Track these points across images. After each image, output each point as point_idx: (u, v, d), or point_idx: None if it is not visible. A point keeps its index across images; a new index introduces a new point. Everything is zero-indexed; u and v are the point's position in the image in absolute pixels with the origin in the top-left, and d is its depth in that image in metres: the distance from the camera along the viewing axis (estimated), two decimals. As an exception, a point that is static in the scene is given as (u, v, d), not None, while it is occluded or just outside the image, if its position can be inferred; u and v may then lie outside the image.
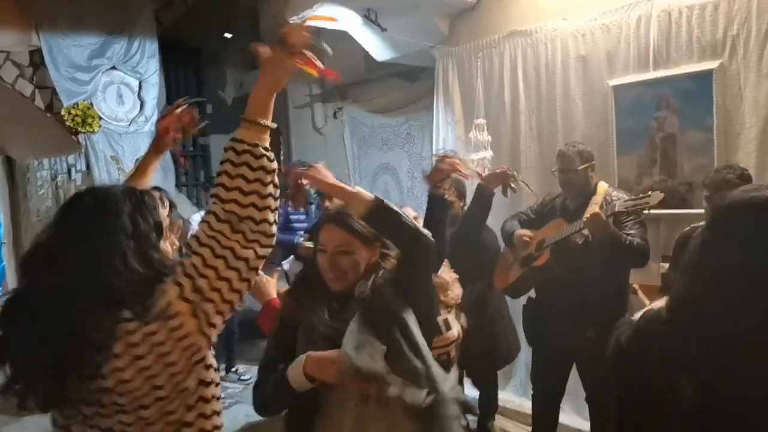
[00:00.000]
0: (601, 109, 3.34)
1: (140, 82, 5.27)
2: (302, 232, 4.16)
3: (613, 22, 3.25)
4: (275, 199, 1.21)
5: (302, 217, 4.32)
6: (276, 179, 1.22)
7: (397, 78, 5.30)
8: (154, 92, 5.34)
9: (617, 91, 3.23)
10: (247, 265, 1.18)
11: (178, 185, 6.39)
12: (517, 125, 3.75)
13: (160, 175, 5.27)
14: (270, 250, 1.22)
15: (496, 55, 3.86)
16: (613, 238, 2.57)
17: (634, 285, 2.91)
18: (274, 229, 1.22)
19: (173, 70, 6.41)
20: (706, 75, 2.88)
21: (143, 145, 5.24)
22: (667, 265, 2.76)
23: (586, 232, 2.71)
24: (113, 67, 5.11)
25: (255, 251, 1.19)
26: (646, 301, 2.82)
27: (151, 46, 5.31)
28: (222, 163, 1.20)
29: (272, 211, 1.21)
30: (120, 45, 5.12)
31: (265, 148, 1.21)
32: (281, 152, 6.77)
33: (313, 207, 4.48)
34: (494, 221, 3.22)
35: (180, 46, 6.38)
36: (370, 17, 4.05)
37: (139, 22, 5.24)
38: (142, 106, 5.29)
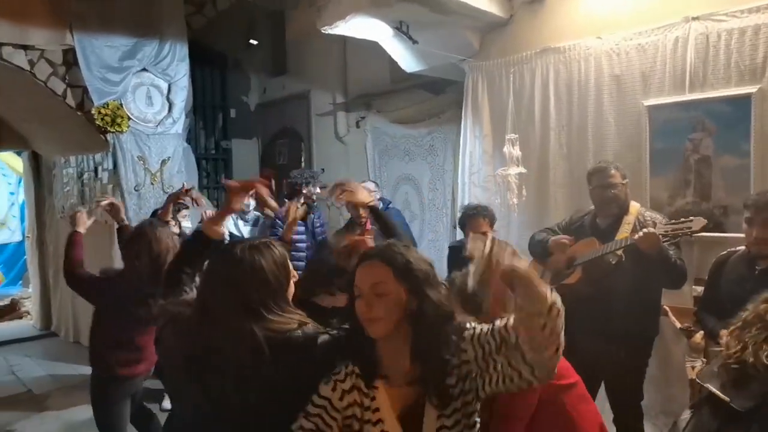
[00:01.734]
0: (634, 129, 3.33)
1: (169, 85, 5.32)
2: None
3: (649, 42, 3.25)
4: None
5: (301, 228, 4.26)
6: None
7: (422, 90, 5.33)
8: (182, 95, 5.39)
9: (651, 112, 3.23)
10: None
11: (200, 187, 6.44)
12: (547, 142, 3.75)
13: (183, 176, 5.33)
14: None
15: (527, 72, 3.87)
16: (663, 256, 2.55)
17: (665, 307, 2.89)
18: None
19: (200, 74, 6.48)
20: (745, 99, 2.87)
21: (170, 147, 5.31)
22: (700, 288, 2.73)
23: (620, 252, 2.69)
24: (144, 69, 5.17)
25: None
26: (677, 324, 2.81)
27: (182, 50, 5.37)
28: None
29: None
30: (151, 47, 5.18)
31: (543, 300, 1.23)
32: (302, 158, 6.81)
33: (313, 217, 4.45)
34: (520, 238, 3.21)
35: (207, 51, 6.45)
36: (402, 29, 4.07)
37: (171, 26, 5.31)
38: (170, 108, 5.34)
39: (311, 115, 6.63)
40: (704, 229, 2.49)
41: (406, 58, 4.49)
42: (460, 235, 3.85)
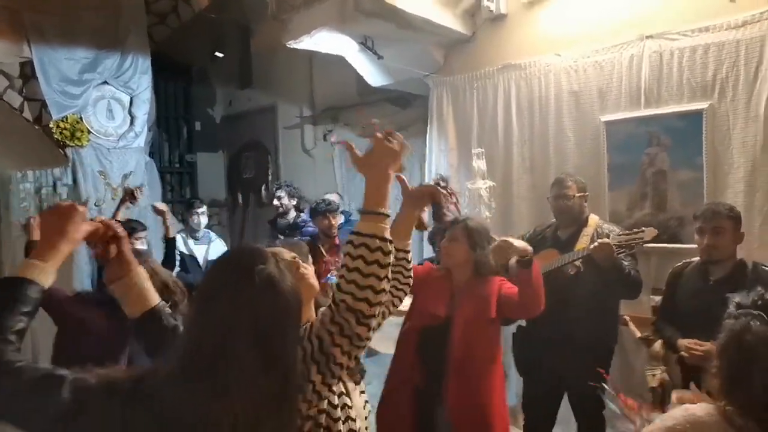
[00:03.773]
0: (592, 144, 3.42)
1: (131, 98, 5.22)
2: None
3: (605, 59, 3.36)
4: (385, 293, 1.22)
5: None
6: (389, 273, 1.23)
7: (389, 103, 5.36)
8: (145, 108, 5.29)
9: (609, 127, 3.33)
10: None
11: (164, 201, 6.31)
12: (510, 156, 3.82)
13: (146, 190, 5.21)
14: (363, 346, 1.24)
15: (490, 87, 3.94)
16: (616, 267, 2.63)
17: (625, 317, 2.97)
18: (377, 323, 1.26)
19: (164, 86, 6.38)
20: (696, 115, 2.99)
21: (132, 161, 5.21)
22: (657, 298, 2.81)
23: (578, 263, 2.77)
24: (104, 82, 5.06)
25: (342, 348, 1.21)
26: (637, 333, 2.88)
27: (144, 62, 5.28)
28: (344, 255, 1.23)
29: (384, 306, 1.25)
30: (112, 60, 5.08)
31: (383, 239, 1.20)
32: (269, 171, 6.76)
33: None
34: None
35: (171, 63, 6.36)
36: (367, 45, 4.11)
37: (133, 38, 5.22)
38: (132, 122, 5.23)
39: (278, 128, 6.60)
40: (656, 238, 2.59)
41: (371, 73, 4.52)
42: (428, 250, 3.88)
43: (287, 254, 1.39)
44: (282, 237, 4.24)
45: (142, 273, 1.29)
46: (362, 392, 1.50)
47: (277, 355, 1.00)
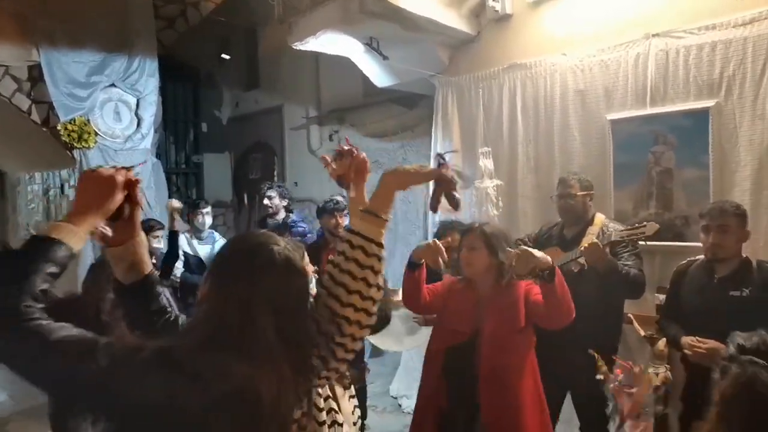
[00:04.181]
0: (598, 142, 3.41)
1: (138, 100, 5.27)
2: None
3: (611, 58, 3.35)
4: (375, 302, 1.19)
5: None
6: (381, 281, 1.20)
7: (394, 104, 5.38)
8: (151, 110, 5.35)
9: (615, 126, 3.31)
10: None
11: (170, 203, 6.36)
12: (515, 155, 3.82)
13: (152, 192, 5.26)
14: (358, 328, 1.19)
15: (495, 87, 3.94)
16: (611, 267, 2.61)
17: (629, 315, 2.95)
18: (361, 337, 1.20)
19: (171, 88, 6.43)
20: (703, 113, 2.97)
21: (138, 162, 5.24)
22: (662, 297, 2.80)
23: (582, 260, 2.75)
24: (112, 84, 5.12)
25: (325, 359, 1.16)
26: (641, 332, 2.86)
27: (152, 65, 5.34)
28: (339, 252, 1.20)
29: (369, 315, 1.18)
30: (119, 63, 5.14)
31: (380, 245, 1.19)
32: (275, 172, 6.79)
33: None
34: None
35: (179, 65, 6.42)
36: (372, 45, 4.12)
37: (141, 41, 5.28)
38: (139, 124, 5.29)
39: (284, 129, 6.63)
40: (661, 237, 2.57)
41: (377, 74, 4.53)
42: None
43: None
44: None
45: (143, 240, 1.31)
46: (352, 397, 1.47)
47: (293, 330, 1.05)
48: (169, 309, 1.37)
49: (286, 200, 4.37)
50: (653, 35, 3.16)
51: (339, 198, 3.85)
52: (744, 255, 2.38)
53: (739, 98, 2.89)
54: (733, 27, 2.89)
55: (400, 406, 4.35)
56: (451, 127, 4.24)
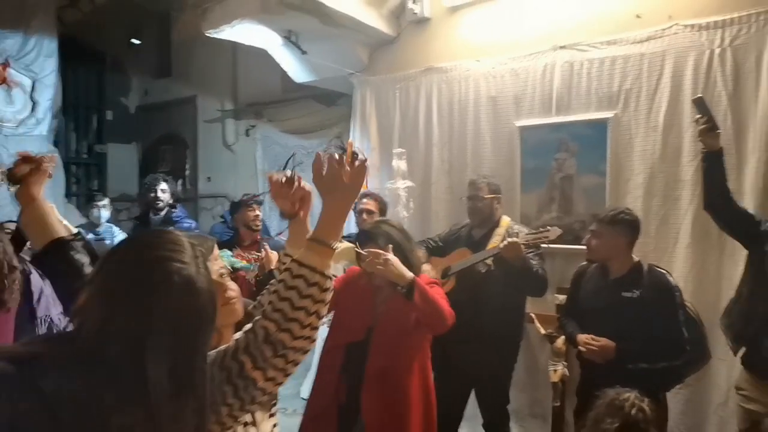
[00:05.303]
0: (508, 148, 3.53)
1: (34, 82, 4.86)
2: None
3: (521, 67, 3.47)
4: (315, 329, 1.11)
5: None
6: (323, 310, 1.11)
7: (314, 101, 5.31)
8: (49, 94, 4.95)
9: (523, 132, 3.44)
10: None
11: (69, 194, 5.93)
12: (430, 157, 3.87)
13: (48, 182, 4.86)
14: (284, 376, 1.11)
15: (412, 89, 3.98)
16: (524, 265, 2.72)
17: (531, 314, 3.07)
18: (300, 358, 1.11)
19: (73, 72, 5.99)
20: (602, 123, 3.15)
21: (32, 149, 4.79)
22: (562, 297, 2.93)
23: (489, 261, 2.84)
24: (4, 63, 4.68)
25: (265, 373, 1.08)
26: (542, 330, 2.99)
27: (50, 45, 4.94)
28: (278, 280, 1.12)
29: (306, 339, 1.10)
30: (14, 40, 4.71)
31: (323, 275, 1.09)
32: (187, 165, 6.51)
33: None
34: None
35: (83, 48, 5.99)
36: (291, 39, 4.04)
37: (38, 18, 4.86)
38: (34, 108, 4.87)
39: (198, 121, 6.38)
40: (561, 240, 2.71)
41: (295, 68, 4.45)
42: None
43: (216, 268, 1.19)
44: None
45: (47, 205, 1.43)
46: (272, 415, 1.40)
47: (187, 370, 0.89)
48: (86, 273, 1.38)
49: (172, 195, 4.14)
50: (560, 47, 3.31)
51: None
52: (636, 259, 2.53)
53: (635, 111, 3.09)
54: (632, 43, 3.09)
55: (310, 407, 4.28)
56: (369, 126, 4.24)
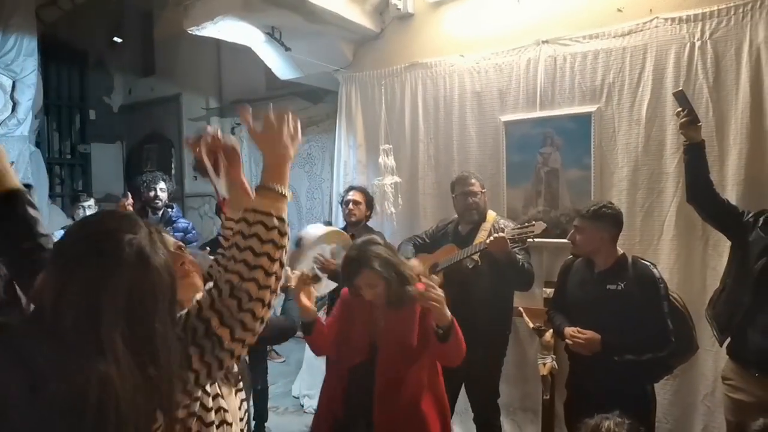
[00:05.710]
0: (493, 142, 3.54)
1: (14, 82, 4.78)
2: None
3: (505, 62, 3.48)
4: (278, 279, 1.11)
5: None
6: (284, 258, 1.12)
7: (299, 98, 5.29)
8: (30, 93, 4.86)
9: (508, 127, 3.45)
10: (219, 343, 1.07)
11: (52, 195, 5.86)
12: (416, 153, 3.87)
13: (30, 182, 4.80)
14: (252, 335, 1.10)
15: (398, 84, 3.97)
16: (511, 259, 2.74)
17: (519, 308, 3.09)
18: (266, 313, 1.11)
19: (54, 71, 5.91)
20: (586, 117, 3.16)
21: (13, 150, 4.76)
22: (549, 290, 2.95)
23: (476, 257, 2.85)
24: (-18, 63, 4.61)
25: (232, 331, 1.07)
26: (530, 324, 3.00)
27: (30, 44, 4.85)
28: (234, 233, 1.11)
29: (272, 292, 1.10)
30: (-8, 39, 4.64)
31: (280, 219, 1.11)
32: (172, 165, 6.45)
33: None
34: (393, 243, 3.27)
35: (64, 47, 5.91)
36: (274, 35, 4.01)
37: (17, 17, 4.78)
38: (14, 108, 4.80)
39: (182, 120, 6.32)
40: (547, 234, 2.74)
41: (279, 65, 4.42)
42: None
43: (171, 241, 1.27)
44: None
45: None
46: (239, 391, 1.39)
47: (144, 336, 0.92)
48: (40, 233, 1.29)
49: (170, 194, 4.09)
50: (543, 42, 3.32)
51: None
52: (621, 251, 2.55)
53: (618, 104, 3.11)
54: (614, 37, 3.10)
55: (302, 406, 4.28)
56: (354, 123, 4.23)
